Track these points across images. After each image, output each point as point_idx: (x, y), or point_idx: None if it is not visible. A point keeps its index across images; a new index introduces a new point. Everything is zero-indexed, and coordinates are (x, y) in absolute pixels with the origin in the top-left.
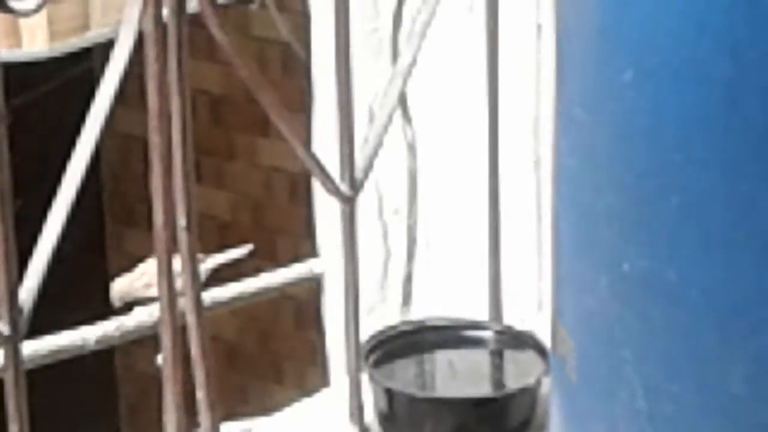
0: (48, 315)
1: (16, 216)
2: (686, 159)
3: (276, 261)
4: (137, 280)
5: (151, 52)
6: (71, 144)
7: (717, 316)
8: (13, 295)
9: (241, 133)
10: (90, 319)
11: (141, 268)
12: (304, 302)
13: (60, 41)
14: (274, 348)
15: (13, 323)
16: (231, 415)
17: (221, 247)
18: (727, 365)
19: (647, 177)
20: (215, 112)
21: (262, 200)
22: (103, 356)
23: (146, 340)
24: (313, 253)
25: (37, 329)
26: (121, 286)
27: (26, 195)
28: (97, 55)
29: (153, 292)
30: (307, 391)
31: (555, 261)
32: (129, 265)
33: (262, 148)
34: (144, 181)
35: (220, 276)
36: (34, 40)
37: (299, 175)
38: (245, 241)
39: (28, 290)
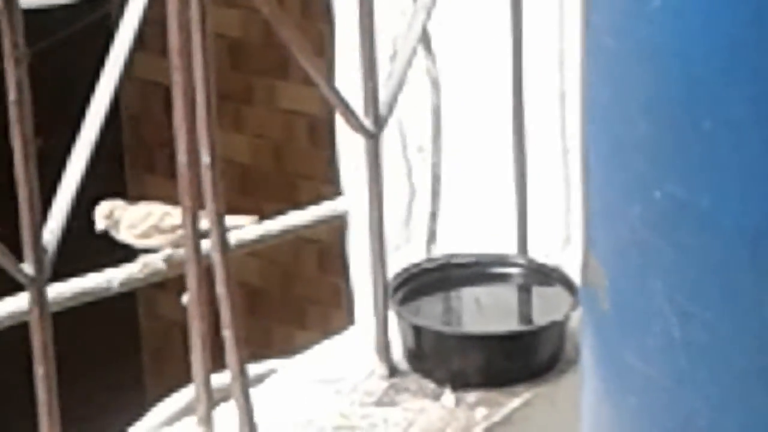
0: (72, 263)
1: (38, 155)
2: (717, 83)
3: (297, 205)
4: (139, 223)
5: None
6: (91, 88)
7: (750, 242)
8: (37, 235)
9: (260, 77)
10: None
11: (146, 207)
12: (328, 245)
13: None
14: (297, 292)
15: (38, 264)
16: (255, 360)
17: (242, 193)
18: (760, 292)
19: (679, 102)
20: (234, 56)
21: (283, 144)
22: (126, 302)
23: (169, 287)
24: (334, 195)
25: (60, 276)
26: (103, 212)
27: (48, 137)
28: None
29: (143, 243)
30: (331, 335)
31: (586, 192)
32: None
33: (281, 92)
34: (165, 127)
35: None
36: None
37: (319, 118)
38: (266, 186)
39: (51, 231)
